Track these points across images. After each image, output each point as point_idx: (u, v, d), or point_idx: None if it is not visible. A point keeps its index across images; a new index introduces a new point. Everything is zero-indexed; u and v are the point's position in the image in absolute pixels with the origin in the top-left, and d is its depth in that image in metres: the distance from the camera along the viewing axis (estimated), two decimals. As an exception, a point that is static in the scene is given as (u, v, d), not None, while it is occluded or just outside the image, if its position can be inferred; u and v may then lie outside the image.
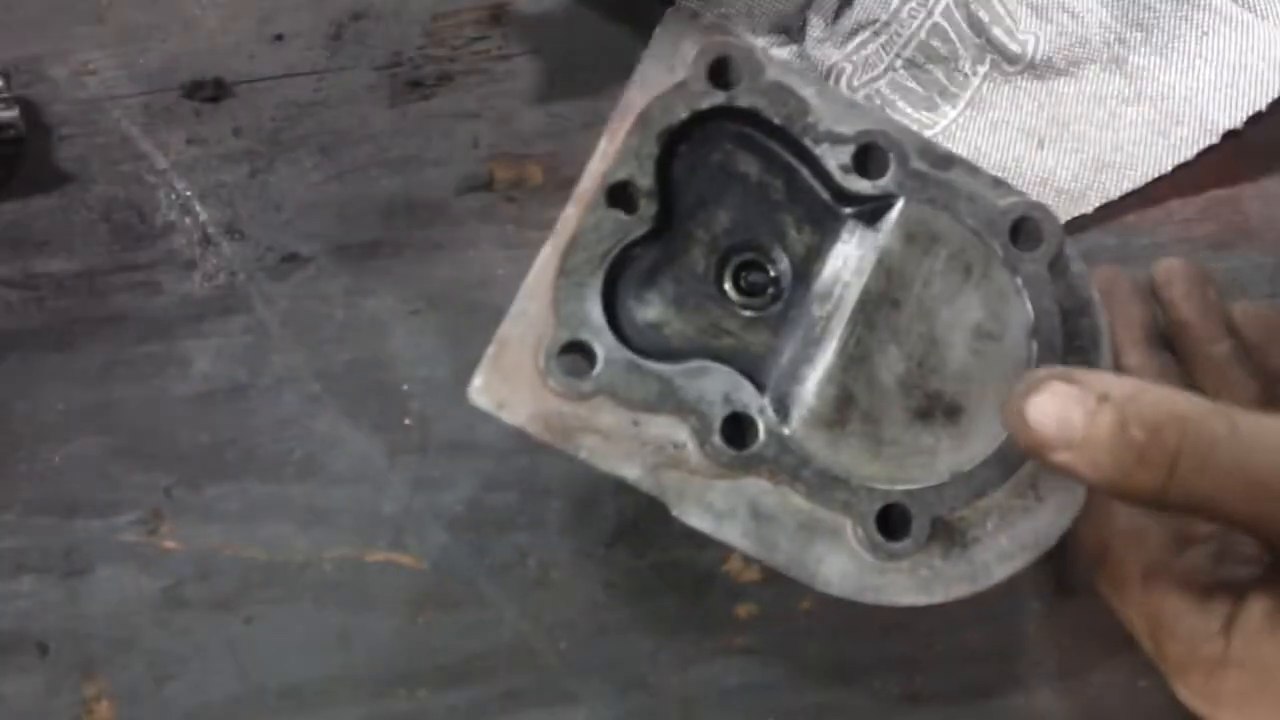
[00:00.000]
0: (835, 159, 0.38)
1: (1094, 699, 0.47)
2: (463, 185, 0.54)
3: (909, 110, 0.53)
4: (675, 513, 0.36)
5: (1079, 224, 0.52)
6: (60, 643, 0.48)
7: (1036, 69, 0.53)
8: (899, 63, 0.53)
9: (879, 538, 0.35)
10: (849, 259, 0.38)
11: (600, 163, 0.38)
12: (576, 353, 0.36)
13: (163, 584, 0.48)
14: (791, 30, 0.54)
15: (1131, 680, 0.47)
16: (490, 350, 0.36)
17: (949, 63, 0.53)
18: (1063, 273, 0.38)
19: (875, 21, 0.52)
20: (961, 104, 0.53)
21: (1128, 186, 0.52)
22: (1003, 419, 0.33)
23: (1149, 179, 0.52)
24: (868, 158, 0.38)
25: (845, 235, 0.39)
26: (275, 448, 0.50)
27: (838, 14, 0.53)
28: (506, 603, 0.48)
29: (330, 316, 0.52)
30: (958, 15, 0.52)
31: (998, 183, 0.38)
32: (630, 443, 0.36)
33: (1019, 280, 0.37)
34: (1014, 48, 0.52)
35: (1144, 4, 0.53)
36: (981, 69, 0.53)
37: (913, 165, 0.38)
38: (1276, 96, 0.52)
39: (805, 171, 0.39)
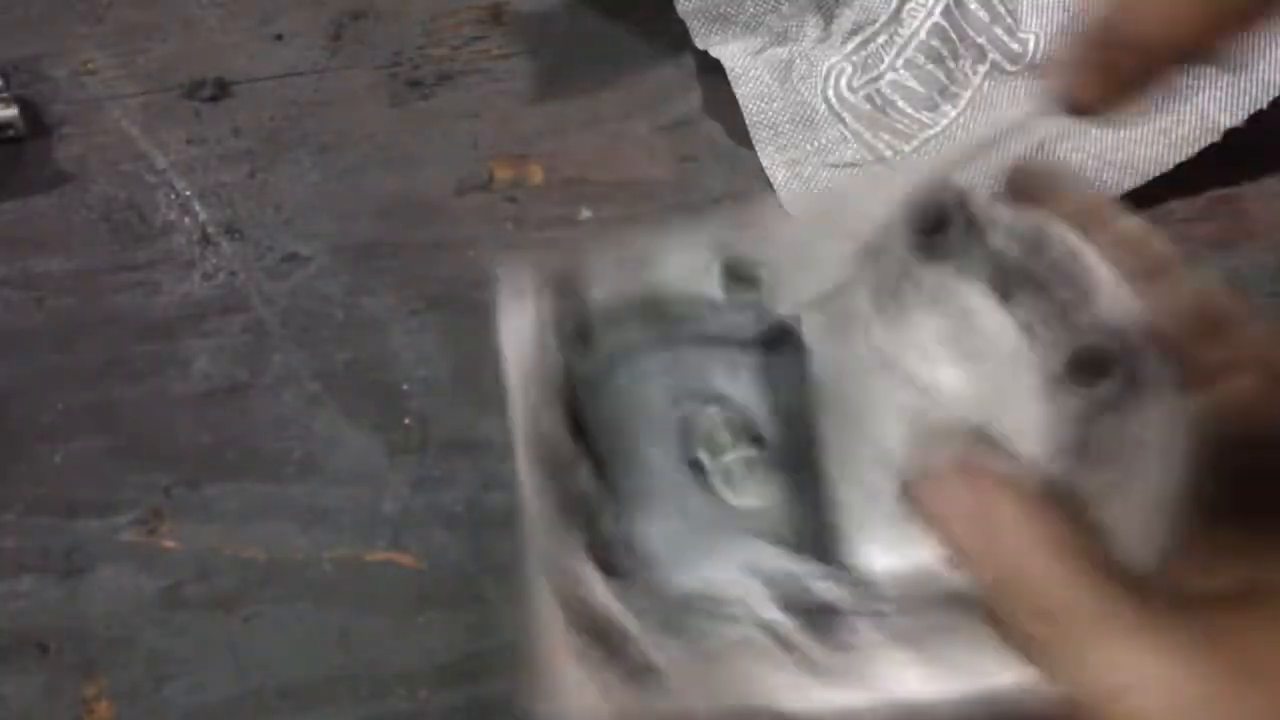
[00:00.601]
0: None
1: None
2: (462, 185, 0.54)
3: (909, 110, 0.53)
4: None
5: (1080, 223, 0.52)
6: (60, 642, 0.48)
7: (1038, 68, 0.53)
8: (899, 62, 0.53)
9: None
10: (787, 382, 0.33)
11: (520, 440, 0.33)
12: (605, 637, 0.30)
13: (162, 584, 0.48)
14: (791, 31, 0.54)
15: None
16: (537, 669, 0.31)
17: (950, 62, 0.53)
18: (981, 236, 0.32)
19: (875, 21, 0.52)
20: (962, 103, 0.53)
21: (1128, 185, 0.52)
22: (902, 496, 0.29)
23: (1149, 178, 0.52)
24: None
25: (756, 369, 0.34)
26: (275, 447, 0.50)
27: (837, 14, 0.53)
28: (506, 602, 0.48)
29: (330, 316, 0.52)
30: (958, 14, 0.52)
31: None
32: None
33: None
34: (1015, 46, 0.52)
35: (1145, 3, 0.53)
36: (982, 68, 0.53)
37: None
38: (1277, 95, 0.52)
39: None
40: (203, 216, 0.53)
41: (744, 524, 0.32)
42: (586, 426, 0.33)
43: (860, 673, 0.27)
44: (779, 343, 0.33)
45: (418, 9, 0.56)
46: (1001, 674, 0.26)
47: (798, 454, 0.32)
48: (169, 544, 0.49)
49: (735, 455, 0.33)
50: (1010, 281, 0.31)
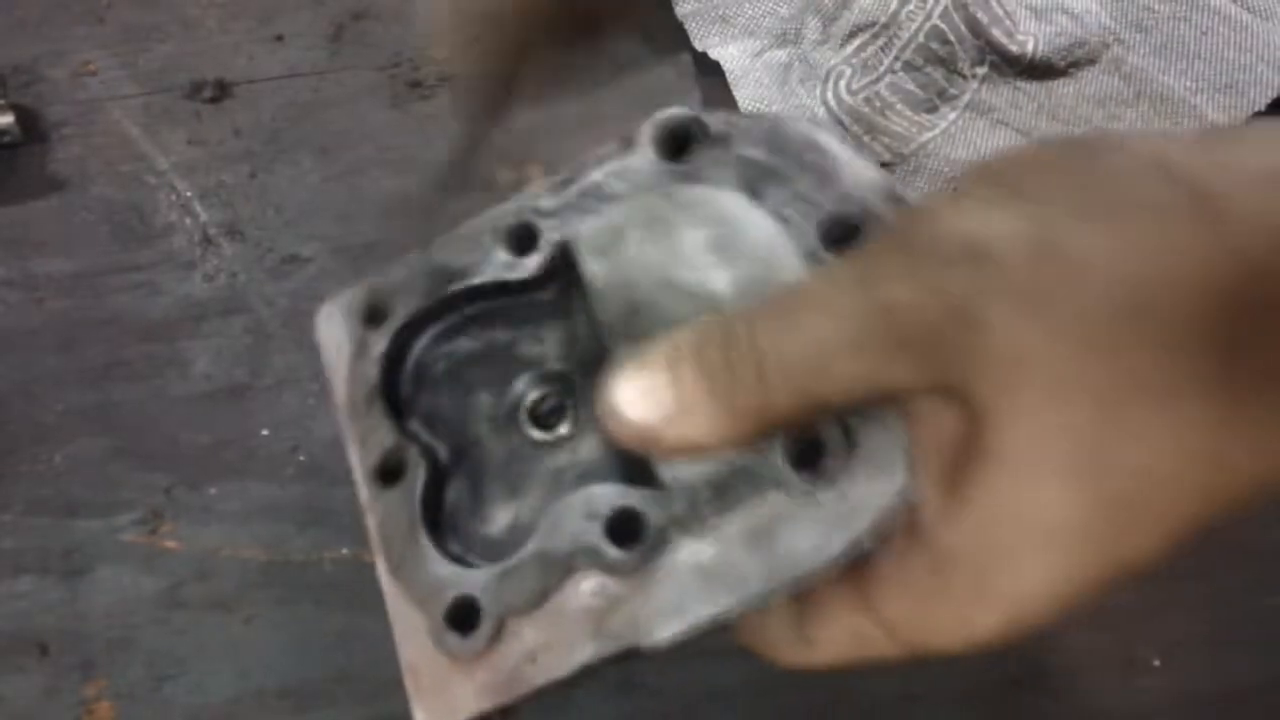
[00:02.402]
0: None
1: (1091, 697, 0.47)
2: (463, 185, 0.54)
3: (908, 112, 0.53)
4: (649, 645, 0.31)
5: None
6: (60, 643, 0.48)
7: (1036, 70, 0.53)
8: (898, 65, 0.53)
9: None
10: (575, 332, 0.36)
11: (356, 459, 0.36)
12: (460, 617, 0.32)
13: (163, 584, 0.48)
14: (789, 34, 0.54)
15: (1128, 680, 0.47)
16: (408, 684, 0.34)
17: (948, 65, 0.53)
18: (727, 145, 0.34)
19: (874, 24, 0.52)
20: (961, 106, 0.53)
21: (1127, 187, 0.52)
22: (601, 428, 0.29)
23: (1148, 180, 0.52)
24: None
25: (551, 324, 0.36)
26: (275, 448, 0.50)
27: (836, 17, 0.53)
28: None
29: (330, 317, 0.52)
30: (956, 17, 0.52)
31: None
32: (559, 632, 0.31)
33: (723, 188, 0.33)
34: (1013, 49, 0.52)
35: (1142, 5, 0.53)
36: (980, 71, 0.53)
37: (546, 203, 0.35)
38: (1276, 96, 0.52)
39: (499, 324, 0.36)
40: (203, 217, 0.53)
41: (554, 460, 0.35)
42: (418, 418, 0.36)
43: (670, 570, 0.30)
44: (562, 276, 0.35)
45: (418, 10, 0.56)
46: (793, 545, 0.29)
47: (595, 379, 0.33)
48: (169, 544, 0.49)
49: (536, 394, 0.36)
50: (758, 180, 0.33)
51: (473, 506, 0.35)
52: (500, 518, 0.35)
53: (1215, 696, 0.47)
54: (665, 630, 0.30)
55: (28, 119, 0.54)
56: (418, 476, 0.34)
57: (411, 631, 0.33)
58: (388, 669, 0.47)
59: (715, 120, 0.34)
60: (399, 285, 0.36)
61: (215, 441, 0.50)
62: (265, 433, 0.50)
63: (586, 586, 0.31)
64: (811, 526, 0.29)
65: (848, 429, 0.29)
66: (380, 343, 0.36)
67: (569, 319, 0.36)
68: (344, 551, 0.49)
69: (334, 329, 0.36)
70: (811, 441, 0.29)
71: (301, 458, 0.50)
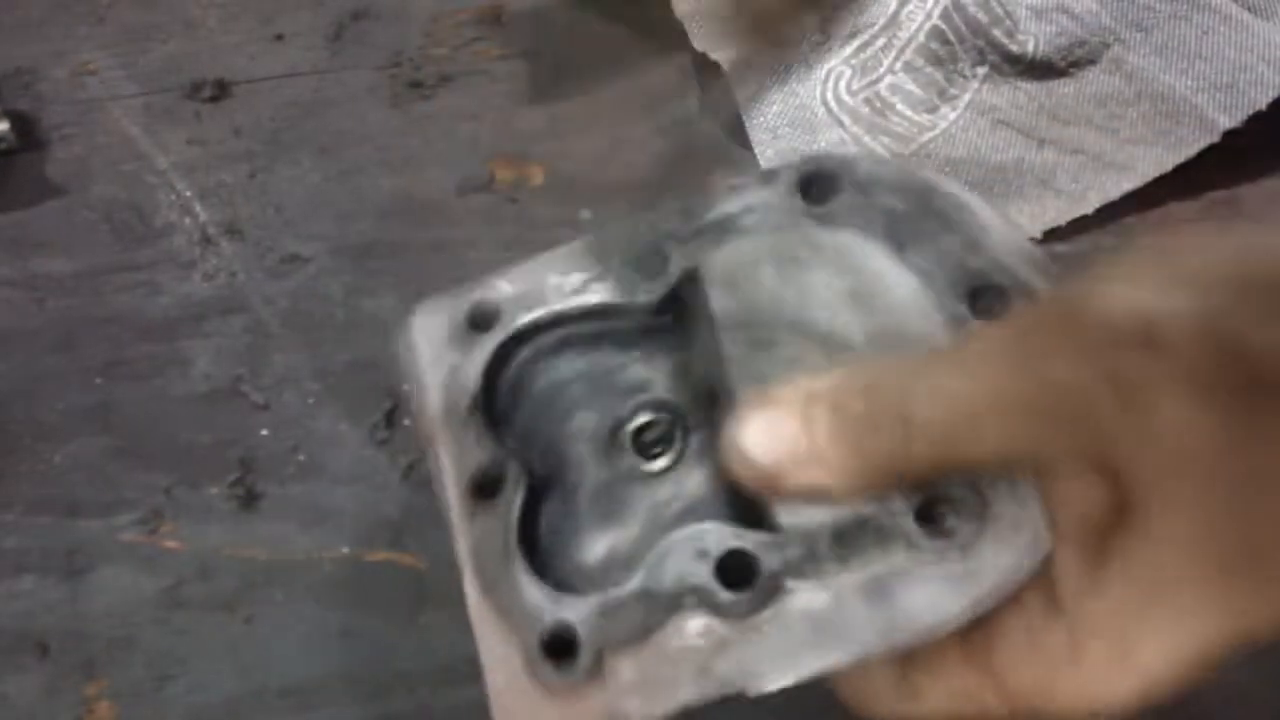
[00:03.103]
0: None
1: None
2: (463, 185, 0.54)
3: (908, 112, 0.53)
4: (754, 694, 0.30)
5: (1079, 225, 0.52)
6: (61, 642, 0.48)
7: (1036, 70, 0.53)
8: (898, 65, 0.53)
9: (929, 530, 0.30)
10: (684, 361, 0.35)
11: (448, 471, 0.34)
12: (557, 646, 0.31)
13: (163, 584, 0.48)
14: (789, 34, 0.54)
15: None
16: (495, 712, 0.33)
17: (948, 65, 0.53)
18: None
19: (874, 25, 0.52)
20: (961, 106, 0.53)
21: (1128, 187, 0.52)
22: (724, 468, 0.29)
23: (1149, 179, 0.52)
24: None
25: (665, 351, 0.36)
26: (275, 448, 0.50)
27: (835, 17, 0.53)
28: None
29: (330, 316, 0.52)
30: (956, 18, 0.52)
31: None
32: (661, 670, 0.31)
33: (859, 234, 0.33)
34: (1013, 49, 0.52)
35: (1143, 4, 0.53)
36: (981, 70, 0.53)
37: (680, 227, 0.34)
38: (1276, 96, 0.52)
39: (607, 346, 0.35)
40: (203, 217, 0.53)
41: (657, 491, 0.34)
42: (511, 435, 0.35)
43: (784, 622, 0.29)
44: (683, 304, 0.35)
45: (418, 10, 0.56)
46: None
47: (707, 412, 0.34)
48: (170, 544, 0.49)
49: (641, 421, 0.35)
50: (901, 233, 0.32)
51: (566, 531, 0.34)
52: (596, 545, 0.34)
53: None
54: (774, 680, 0.30)
55: (24, 125, 0.54)
56: (516, 494, 0.33)
57: (501, 658, 0.32)
58: (389, 668, 0.47)
59: (861, 168, 0.34)
60: (511, 295, 0.35)
61: (215, 441, 0.50)
62: (265, 432, 0.50)
63: (693, 626, 0.30)
64: (933, 585, 0.29)
65: (977, 489, 0.29)
66: (484, 351, 0.34)
67: (684, 348, 0.35)
68: (344, 551, 0.49)
69: (432, 331, 0.35)
70: (937, 498, 0.29)
71: (301, 457, 0.50)
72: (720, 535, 0.30)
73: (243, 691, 0.47)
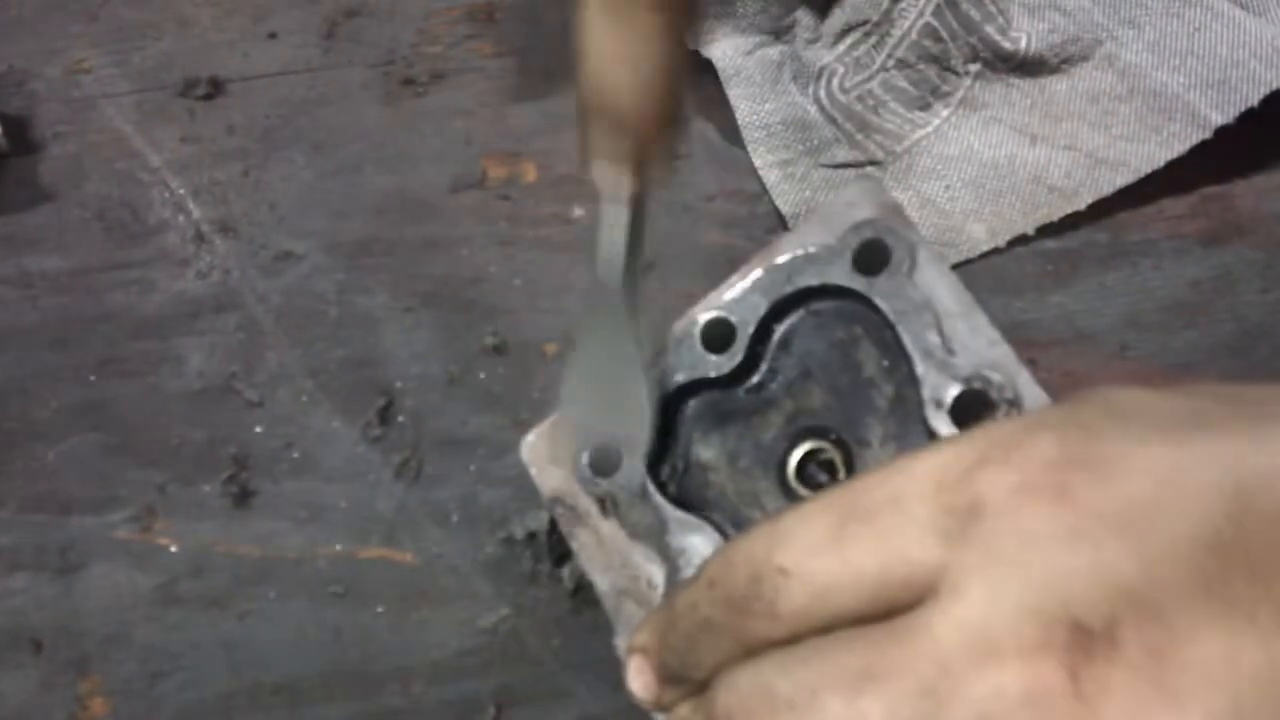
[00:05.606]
0: (932, 392, 0.35)
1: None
2: (456, 183, 0.54)
3: (901, 110, 0.53)
4: (615, 641, 0.36)
5: (1071, 221, 0.52)
6: (54, 640, 0.48)
7: (1029, 67, 0.53)
8: (891, 62, 0.53)
9: None
10: None
11: (721, 291, 0.38)
12: (609, 455, 0.36)
13: (157, 581, 0.49)
14: (781, 32, 0.54)
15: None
16: (549, 420, 0.39)
17: (941, 62, 0.53)
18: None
19: (866, 21, 0.52)
20: (954, 103, 0.53)
21: (1120, 183, 0.52)
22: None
23: (1141, 175, 0.52)
24: (968, 407, 0.35)
25: None
26: (269, 445, 0.50)
27: (828, 14, 0.53)
28: (499, 599, 0.48)
29: (324, 314, 0.52)
30: (949, 14, 0.52)
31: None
32: (614, 557, 0.36)
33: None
34: (1006, 46, 0.52)
35: (1135, 1, 0.53)
36: (974, 67, 0.53)
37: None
38: (1269, 92, 0.52)
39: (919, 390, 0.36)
40: (197, 215, 0.53)
41: None
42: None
43: None
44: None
45: (411, 7, 0.56)
46: None
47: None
48: (163, 541, 0.49)
49: (803, 452, 0.37)
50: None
51: (714, 419, 0.38)
52: (707, 453, 0.38)
53: None
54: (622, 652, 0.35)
55: (17, 124, 0.54)
56: (721, 364, 0.37)
57: None
58: (382, 665, 0.47)
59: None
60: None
61: (209, 438, 0.50)
62: (258, 429, 0.50)
63: (651, 570, 0.35)
64: None
65: None
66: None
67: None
68: (338, 548, 0.49)
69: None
70: None
71: (295, 454, 0.50)
72: None
73: (236, 688, 0.47)
